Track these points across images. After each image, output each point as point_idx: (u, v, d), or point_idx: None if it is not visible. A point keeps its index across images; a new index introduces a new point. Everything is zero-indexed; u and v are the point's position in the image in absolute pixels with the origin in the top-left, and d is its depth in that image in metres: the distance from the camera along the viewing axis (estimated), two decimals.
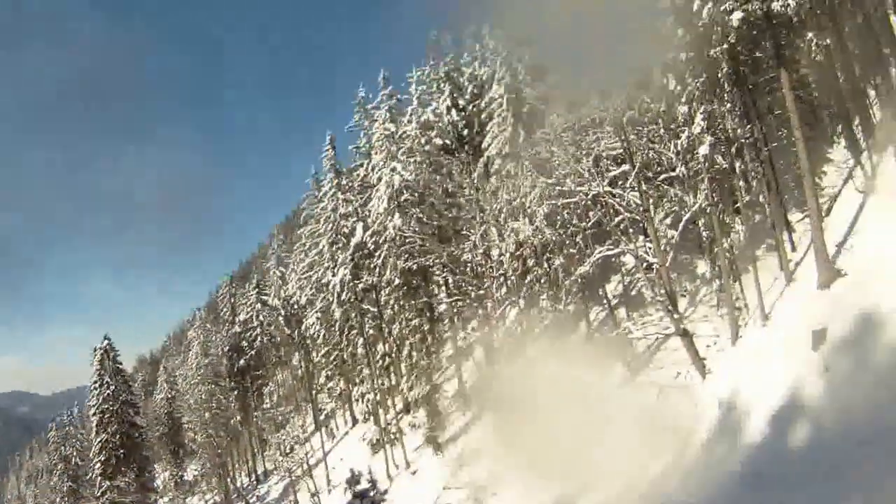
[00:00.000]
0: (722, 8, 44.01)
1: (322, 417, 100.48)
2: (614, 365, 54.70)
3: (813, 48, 45.76)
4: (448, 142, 76.65)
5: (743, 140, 48.14)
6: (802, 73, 50.32)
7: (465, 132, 78.25)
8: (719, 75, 46.64)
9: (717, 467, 38.13)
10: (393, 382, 78.54)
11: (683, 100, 46.48)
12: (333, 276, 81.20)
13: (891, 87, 48.69)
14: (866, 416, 30.64)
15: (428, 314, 73.30)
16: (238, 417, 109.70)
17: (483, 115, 73.27)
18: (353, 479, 75.69)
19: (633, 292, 58.93)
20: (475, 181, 62.22)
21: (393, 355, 77.15)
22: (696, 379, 47.07)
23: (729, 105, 47.16)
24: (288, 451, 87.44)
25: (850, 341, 35.72)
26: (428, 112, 78.73)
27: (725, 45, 45.40)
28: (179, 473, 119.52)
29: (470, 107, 78.69)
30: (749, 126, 48.19)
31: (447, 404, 71.48)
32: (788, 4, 41.86)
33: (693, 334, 48.54)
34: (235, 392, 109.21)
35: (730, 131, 47.33)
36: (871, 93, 50.72)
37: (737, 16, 43.46)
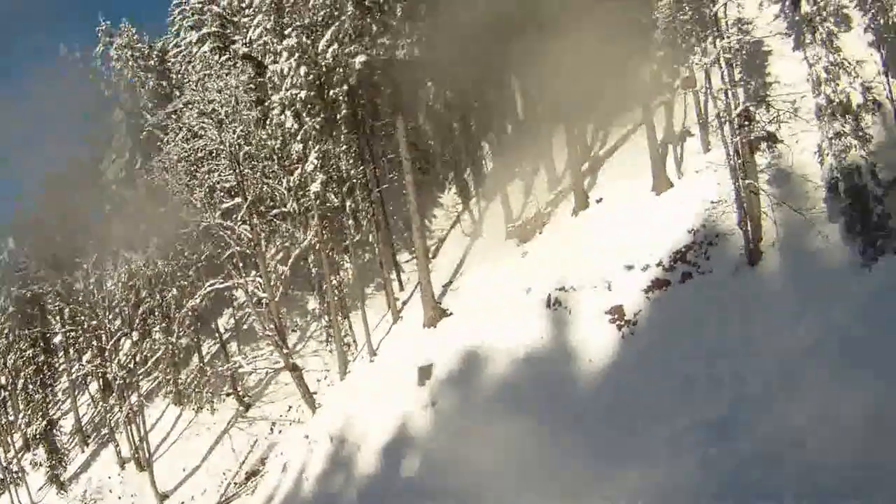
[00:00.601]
0: (346, 51, 41.46)
1: None
2: (228, 399, 51.31)
3: (431, 98, 43.35)
4: None
5: (355, 180, 45.33)
6: (420, 121, 48.30)
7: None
8: (338, 116, 43.88)
9: (334, 500, 36.75)
10: (11, 418, 69.34)
11: (300, 138, 42.92)
12: None
13: (504, 140, 47.71)
14: (475, 448, 30.44)
15: (42, 344, 65.59)
16: None
17: (104, 139, 66.05)
18: None
19: (245, 326, 55.12)
20: (90, 207, 55.78)
21: (9, 388, 68.05)
22: (308, 413, 44.23)
23: (345, 146, 44.42)
24: None
25: (456, 377, 35.02)
26: None
27: (346, 88, 42.84)
28: None
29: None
30: (362, 167, 45.80)
31: (66, 440, 63.59)
32: (414, 53, 39.89)
33: (303, 369, 45.61)
34: None
35: (343, 171, 44.48)
36: (485, 145, 49.73)
37: (360, 59, 40.94)
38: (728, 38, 29.68)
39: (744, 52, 31.29)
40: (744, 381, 25.62)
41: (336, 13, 42.17)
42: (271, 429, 47.26)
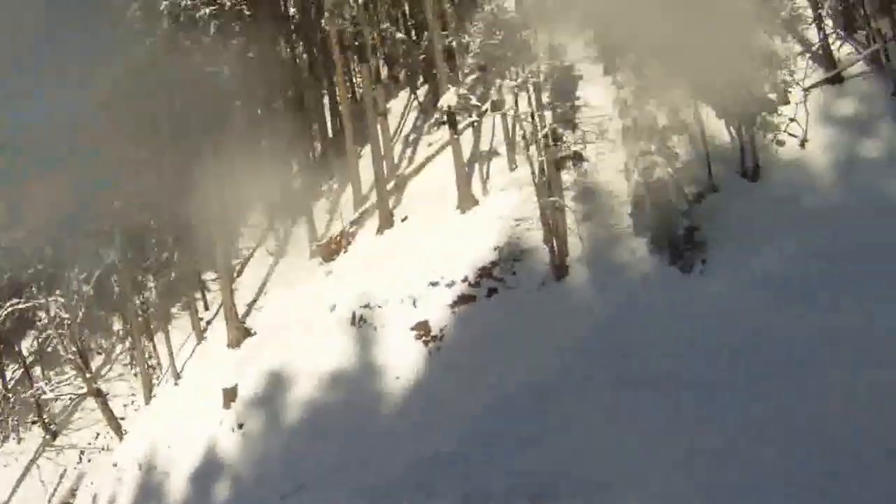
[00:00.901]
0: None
1: None
2: (34, 427, 46.40)
3: (239, 116, 41.47)
4: None
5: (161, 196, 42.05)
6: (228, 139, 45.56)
7: None
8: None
9: None
10: None
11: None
12: None
13: (312, 158, 45.91)
14: (283, 470, 29.00)
15: None
16: None
17: None
18: None
19: (49, 349, 50.42)
20: None
21: None
22: (117, 440, 40.84)
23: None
24: None
25: (261, 398, 32.65)
26: None
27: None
28: None
29: None
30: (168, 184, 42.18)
31: None
32: (221, 71, 37.55)
33: (108, 394, 42.18)
34: None
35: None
36: (293, 163, 46.75)
37: (172, 75, 37.75)
38: (536, 63, 29.07)
39: (554, 76, 30.67)
40: (547, 395, 24.49)
41: (150, 28, 39.30)
42: (80, 458, 43.05)
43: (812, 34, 30.58)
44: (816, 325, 21.50)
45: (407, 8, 41.76)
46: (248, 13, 39.87)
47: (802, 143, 28.20)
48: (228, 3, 38.97)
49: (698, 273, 25.41)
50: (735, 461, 19.27)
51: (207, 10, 37.77)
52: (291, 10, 45.21)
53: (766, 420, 19.93)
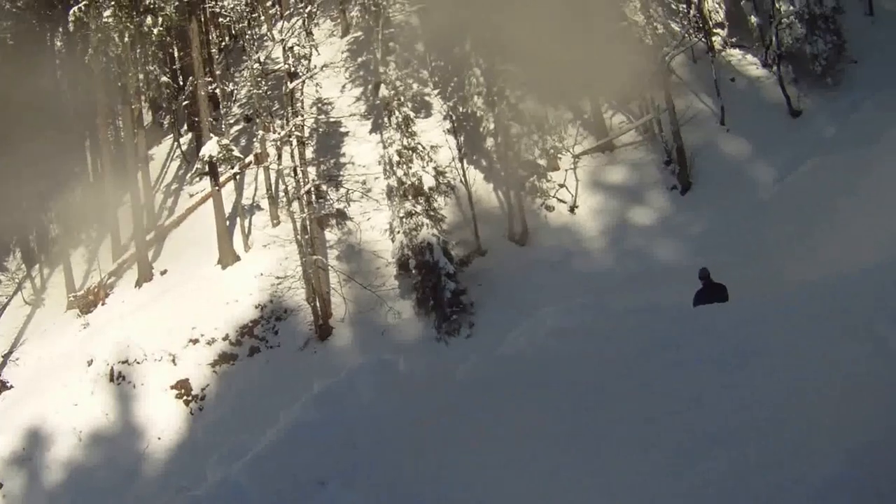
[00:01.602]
0: None
1: None
2: None
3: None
4: None
5: None
6: None
7: None
8: None
9: None
10: None
11: None
12: None
13: (71, 203, 38.81)
14: None
15: None
16: None
17: None
18: None
19: None
20: None
21: None
22: None
23: None
24: None
25: (21, 457, 28.02)
26: None
27: None
28: None
29: None
30: None
31: None
32: None
33: None
34: None
35: None
36: (52, 208, 40.64)
37: None
38: (302, 116, 26.93)
39: (320, 131, 29.17)
40: (313, 462, 21.84)
41: None
42: None
43: (584, 102, 29.35)
44: (579, 401, 20.02)
45: (175, 51, 37.57)
46: (10, 42, 35.63)
47: (572, 209, 27.07)
48: None
49: (465, 337, 23.80)
50: None
51: None
52: (58, 44, 39.81)
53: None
